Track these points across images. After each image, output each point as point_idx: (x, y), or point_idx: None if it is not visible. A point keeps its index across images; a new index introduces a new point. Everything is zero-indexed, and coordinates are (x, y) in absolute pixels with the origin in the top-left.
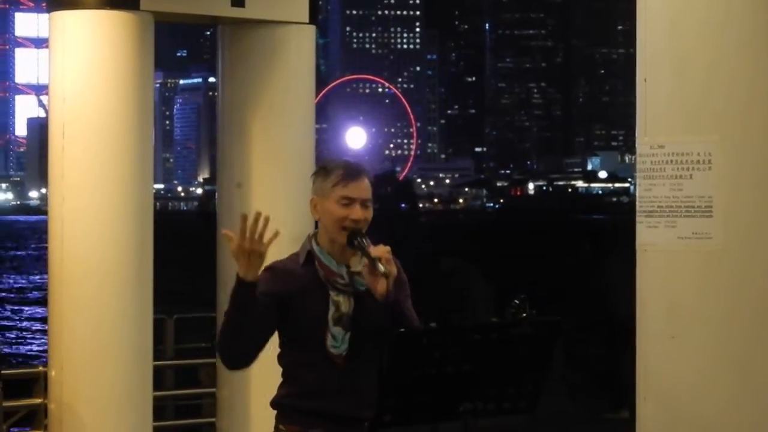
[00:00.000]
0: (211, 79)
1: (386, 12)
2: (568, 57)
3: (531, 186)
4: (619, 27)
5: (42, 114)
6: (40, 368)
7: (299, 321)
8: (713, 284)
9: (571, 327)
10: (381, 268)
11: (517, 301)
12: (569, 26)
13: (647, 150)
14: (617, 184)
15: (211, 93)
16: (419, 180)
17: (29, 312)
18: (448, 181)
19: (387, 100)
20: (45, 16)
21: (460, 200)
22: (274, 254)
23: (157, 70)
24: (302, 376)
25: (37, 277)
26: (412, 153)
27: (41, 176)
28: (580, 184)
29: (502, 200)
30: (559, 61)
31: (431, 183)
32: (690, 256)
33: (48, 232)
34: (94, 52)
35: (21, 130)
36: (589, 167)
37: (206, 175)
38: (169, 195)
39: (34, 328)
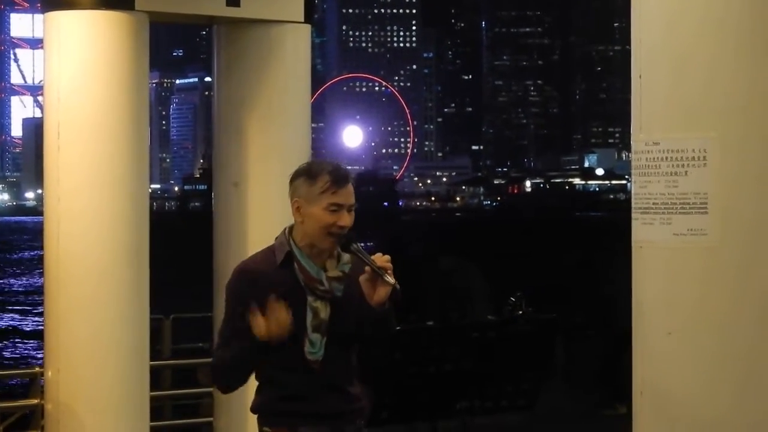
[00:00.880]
0: (208, 79)
1: (383, 10)
2: (565, 54)
3: (528, 183)
4: (616, 24)
5: (38, 114)
6: (37, 369)
7: None
8: (709, 281)
9: (570, 324)
10: (390, 279)
11: (513, 299)
12: (566, 24)
13: (642, 147)
14: (614, 181)
15: (207, 93)
16: (416, 178)
17: None
18: (445, 179)
19: (384, 99)
20: (40, 16)
21: (458, 198)
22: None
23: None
24: (281, 381)
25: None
26: (409, 151)
27: (37, 177)
28: (577, 181)
29: (499, 198)
30: (556, 59)
31: (428, 181)
32: (685, 253)
33: (43, 232)
34: (89, 53)
35: (16, 130)
36: (587, 164)
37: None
38: (166, 195)
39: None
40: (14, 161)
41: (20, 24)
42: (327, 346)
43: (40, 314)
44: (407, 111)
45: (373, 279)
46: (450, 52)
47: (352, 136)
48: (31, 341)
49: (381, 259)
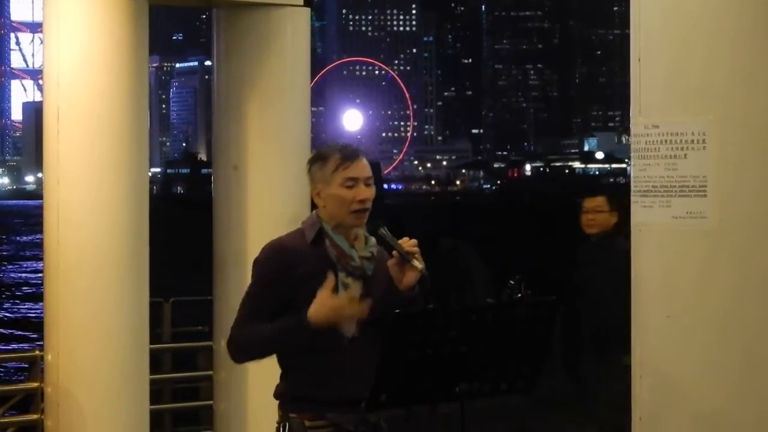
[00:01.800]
0: (208, 63)
1: None
2: (564, 38)
3: (528, 167)
4: (615, 8)
5: (39, 98)
6: (37, 352)
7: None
8: (709, 264)
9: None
10: (418, 265)
11: (512, 282)
12: (566, 7)
13: (641, 130)
14: (614, 165)
15: (207, 76)
16: (416, 162)
17: None
18: (445, 162)
19: (383, 83)
20: (40, 0)
21: (458, 182)
22: (274, 235)
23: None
24: (309, 364)
25: None
26: (409, 135)
27: (37, 161)
28: (577, 165)
29: (499, 182)
30: (555, 43)
31: (428, 165)
32: (684, 236)
33: (43, 216)
34: (89, 36)
35: (17, 114)
36: (586, 148)
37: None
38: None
39: None
40: (14, 145)
41: (20, 7)
42: (357, 326)
43: None
44: (407, 95)
45: (401, 264)
46: (450, 36)
47: (352, 119)
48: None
49: (408, 244)
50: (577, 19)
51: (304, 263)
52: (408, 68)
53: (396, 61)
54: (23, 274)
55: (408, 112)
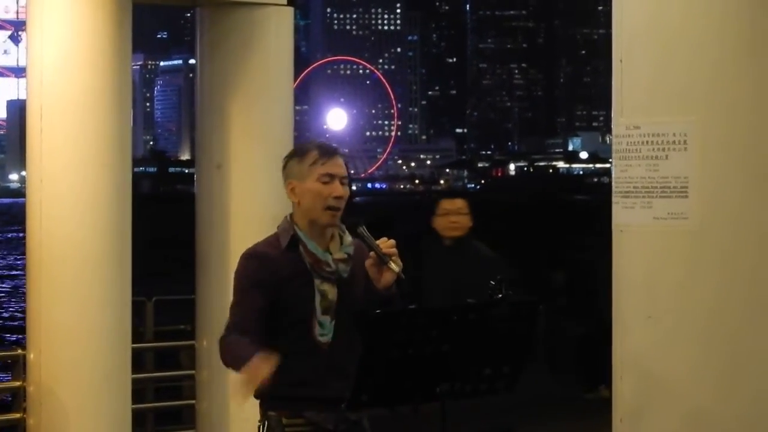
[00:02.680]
0: (192, 61)
1: None
2: (549, 38)
3: (512, 167)
4: (600, 8)
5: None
6: (19, 351)
7: (286, 311)
8: (691, 265)
9: (552, 308)
10: (394, 267)
11: (493, 282)
12: (550, 7)
13: (623, 131)
14: (598, 165)
15: (191, 75)
16: (400, 161)
17: None
18: (429, 162)
19: (368, 82)
20: None
21: (442, 181)
22: (257, 234)
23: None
24: (288, 366)
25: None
26: (393, 134)
27: (22, 159)
28: (561, 164)
29: (483, 181)
30: (540, 42)
31: (413, 164)
32: (666, 237)
33: (26, 214)
34: (72, 34)
35: (1, 112)
36: (571, 148)
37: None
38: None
39: None
40: None
41: (3, 5)
42: (336, 329)
43: None
44: (391, 94)
45: (378, 264)
46: (434, 35)
47: (337, 118)
48: None
49: (386, 245)
50: (562, 19)
51: (280, 269)
52: (392, 67)
53: (380, 60)
54: None
55: (392, 111)
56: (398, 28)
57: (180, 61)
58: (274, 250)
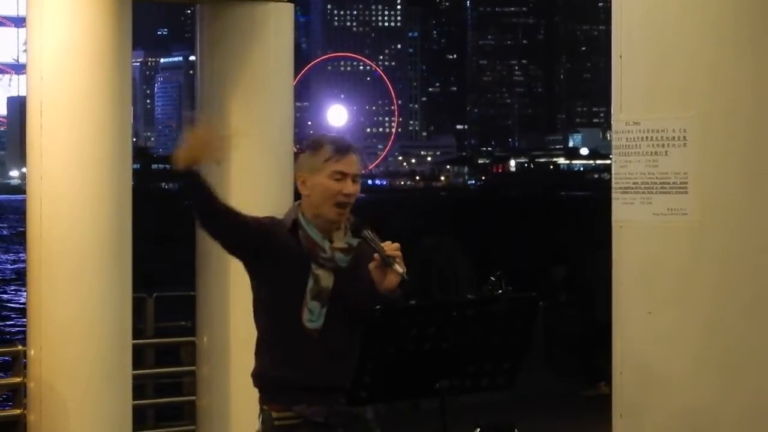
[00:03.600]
0: (192, 58)
1: None
2: (549, 34)
3: (513, 163)
4: (600, 4)
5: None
6: (19, 347)
7: (276, 287)
8: (690, 260)
9: (552, 304)
10: (399, 269)
11: (493, 278)
12: (551, 3)
13: (623, 127)
14: (599, 161)
15: (192, 71)
16: (401, 158)
17: None
18: (429, 158)
19: (368, 78)
20: None
21: (442, 178)
22: None
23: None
24: (279, 345)
25: None
26: (394, 131)
27: (22, 155)
28: (561, 161)
29: (483, 178)
30: (540, 39)
31: (413, 160)
32: (666, 233)
33: (26, 210)
34: (72, 31)
35: (1, 109)
36: (571, 144)
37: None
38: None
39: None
40: None
41: (4, 2)
42: (327, 316)
43: None
44: (392, 90)
45: (382, 267)
46: (435, 32)
47: (337, 115)
48: None
49: (390, 247)
50: (562, 15)
51: (284, 242)
52: (393, 64)
53: (381, 57)
54: None
55: (393, 107)
56: (398, 24)
57: (180, 58)
58: (282, 229)
